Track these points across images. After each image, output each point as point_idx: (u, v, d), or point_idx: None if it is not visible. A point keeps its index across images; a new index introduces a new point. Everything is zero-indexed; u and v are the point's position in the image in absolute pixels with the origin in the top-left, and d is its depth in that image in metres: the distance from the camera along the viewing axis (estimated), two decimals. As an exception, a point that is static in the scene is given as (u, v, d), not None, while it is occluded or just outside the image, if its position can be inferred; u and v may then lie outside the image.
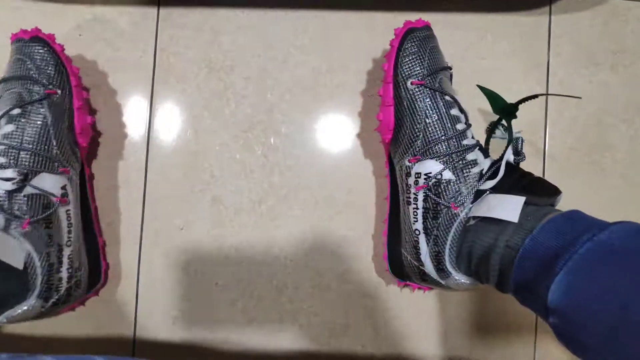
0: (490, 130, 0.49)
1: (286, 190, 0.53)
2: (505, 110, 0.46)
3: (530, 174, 0.42)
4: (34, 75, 0.43)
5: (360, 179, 0.53)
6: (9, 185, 0.39)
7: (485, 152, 0.45)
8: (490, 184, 0.41)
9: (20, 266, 0.39)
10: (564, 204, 0.39)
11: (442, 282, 0.44)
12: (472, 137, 0.45)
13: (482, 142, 0.46)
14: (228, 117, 0.53)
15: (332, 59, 0.54)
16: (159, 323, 0.51)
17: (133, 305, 0.51)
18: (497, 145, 0.49)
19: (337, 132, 0.54)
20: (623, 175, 0.57)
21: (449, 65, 0.48)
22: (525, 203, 0.38)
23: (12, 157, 0.41)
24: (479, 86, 0.47)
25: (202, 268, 0.51)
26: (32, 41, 0.44)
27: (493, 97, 0.47)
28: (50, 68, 0.44)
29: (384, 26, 0.55)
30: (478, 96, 0.47)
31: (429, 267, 0.44)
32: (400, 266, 0.48)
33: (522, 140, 0.43)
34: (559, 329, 0.32)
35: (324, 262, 0.53)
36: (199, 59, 0.53)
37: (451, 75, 0.49)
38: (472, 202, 0.42)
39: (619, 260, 0.30)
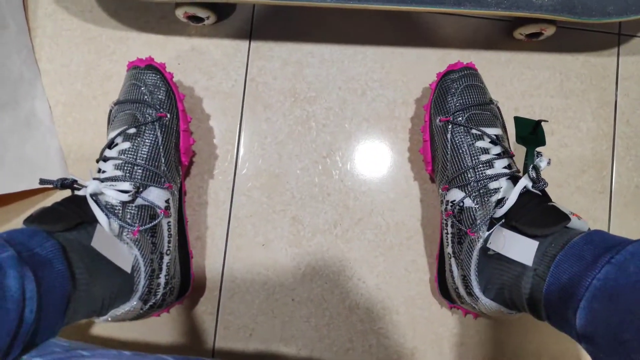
0: (527, 159, 0.50)
1: (360, 214, 0.56)
2: (524, 140, 0.48)
3: (544, 202, 0.42)
4: (147, 99, 0.48)
5: (429, 207, 0.56)
6: (125, 197, 0.44)
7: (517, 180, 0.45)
8: (501, 212, 0.43)
9: (129, 270, 0.43)
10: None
11: (475, 306, 0.46)
12: (507, 167, 0.46)
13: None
14: (309, 144, 0.57)
15: (406, 92, 0.58)
16: (237, 334, 0.54)
17: (214, 316, 0.54)
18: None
19: (410, 162, 0.57)
20: (691, 215, 0.58)
21: (492, 100, 0.50)
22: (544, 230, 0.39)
23: (127, 171, 0.45)
24: (515, 117, 0.49)
25: (280, 284, 0.55)
26: (146, 69, 0.49)
27: (521, 126, 0.49)
28: (161, 93, 0.49)
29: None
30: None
31: (461, 290, 0.47)
32: (447, 289, 0.50)
33: (548, 163, 0.43)
34: (592, 354, 0.33)
35: (394, 286, 0.55)
36: (285, 89, 0.57)
37: (498, 109, 0.51)
38: (488, 229, 0.43)
39: (635, 284, 0.31)
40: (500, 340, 0.55)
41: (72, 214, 0.41)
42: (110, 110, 0.50)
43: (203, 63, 0.57)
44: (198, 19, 0.56)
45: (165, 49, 0.57)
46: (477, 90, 0.50)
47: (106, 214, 0.42)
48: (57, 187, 0.42)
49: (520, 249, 0.40)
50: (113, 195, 0.43)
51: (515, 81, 0.59)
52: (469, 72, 0.51)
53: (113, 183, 0.44)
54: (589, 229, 0.40)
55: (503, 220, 0.43)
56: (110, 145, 0.47)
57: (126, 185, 0.44)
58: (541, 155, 0.44)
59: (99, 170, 0.46)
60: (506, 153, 0.47)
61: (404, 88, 0.58)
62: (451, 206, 0.48)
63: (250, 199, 0.56)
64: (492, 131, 0.48)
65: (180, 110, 0.50)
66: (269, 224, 0.55)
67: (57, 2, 0.58)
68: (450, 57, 0.58)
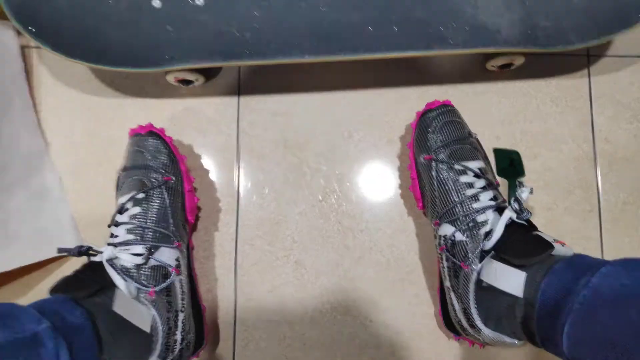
0: (509, 190, 0.51)
1: (360, 252, 0.58)
2: (504, 172, 0.50)
3: (529, 231, 0.44)
4: (151, 164, 0.51)
5: (426, 240, 0.58)
6: (139, 260, 0.46)
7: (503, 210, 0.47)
8: (489, 244, 0.45)
9: (148, 329, 0.45)
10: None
11: (478, 337, 0.47)
12: (493, 198, 0.48)
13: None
14: (304, 189, 0.59)
15: (390, 131, 0.61)
16: (252, 381, 0.56)
17: (228, 365, 0.56)
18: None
19: (404, 197, 0.59)
20: (677, 222, 0.60)
21: (470, 133, 0.53)
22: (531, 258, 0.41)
23: (139, 235, 0.48)
24: (494, 149, 0.51)
25: (291, 329, 0.56)
26: (148, 135, 0.53)
27: (500, 158, 0.51)
28: (164, 157, 0.52)
29: (438, 97, 0.61)
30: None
31: (464, 322, 0.48)
32: (451, 321, 0.52)
33: (531, 192, 0.45)
34: None
35: (400, 322, 0.57)
36: (276, 139, 0.60)
37: (477, 141, 0.54)
38: (481, 261, 0.45)
39: (609, 307, 0.32)
40: (508, 363, 0.56)
41: (92, 280, 0.43)
42: (118, 177, 0.53)
43: (197, 121, 0.61)
44: (188, 82, 0.59)
45: (160, 111, 0.61)
46: (455, 126, 0.53)
47: (123, 278, 0.45)
48: (74, 255, 0.45)
49: (510, 280, 0.42)
50: (127, 259, 0.46)
51: (493, 110, 0.62)
52: (446, 109, 0.54)
53: (127, 247, 0.47)
54: (574, 254, 0.42)
55: (493, 252, 0.45)
56: (121, 210, 0.49)
57: (139, 249, 0.47)
58: (523, 185, 0.46)
59: (112, 235, 0.49)
60: (491, 185, 0.50)
61: (388, 127, 0.61)
62: (444, 241, 0.50)
63: (253, 247, 0.58)
64: (475, 164, 0.50)
65: (184, 171, 0.53)
66: (274, 271, 0.57)
67: (56, 77, 0.61)
68: (428, 94, 0.61)
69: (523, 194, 0.45)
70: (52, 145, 0.59)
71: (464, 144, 0.52)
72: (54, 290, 0.42)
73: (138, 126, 0.53)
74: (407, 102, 0.61)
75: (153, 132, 0.53)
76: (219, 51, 0.54)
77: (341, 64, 0.62)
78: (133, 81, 0.61)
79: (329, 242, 0.58)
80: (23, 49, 0.61)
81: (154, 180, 0.50)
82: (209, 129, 0.60)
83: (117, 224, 0.49)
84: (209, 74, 0.61)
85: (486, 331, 0.45)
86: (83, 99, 0.61)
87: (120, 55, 0.54)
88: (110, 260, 0.45)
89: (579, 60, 0.64)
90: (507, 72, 0.62)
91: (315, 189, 0.59)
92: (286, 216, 0.59)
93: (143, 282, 0.46)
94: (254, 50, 0.54)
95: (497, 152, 0.51)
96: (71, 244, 0.55)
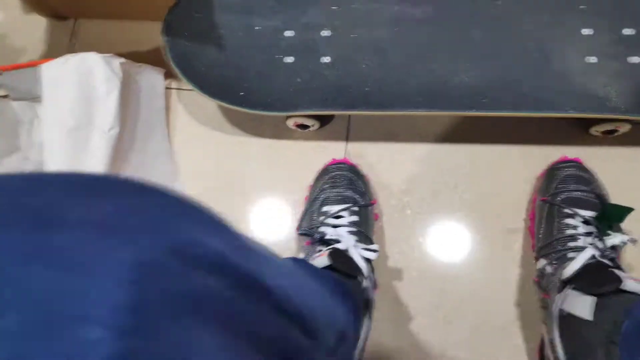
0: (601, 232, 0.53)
1: (459, 298, 0.59)
2: (600, 218, 0.52)
3: (603, 270, 0.46)
4: (361, 188, 0.60)
5: (524, 292, 0.58)
6: (373, 255, 0.52)
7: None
8: (566, 274, 0.47)
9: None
10: None
11: None
12: (593, 245, 0.49)
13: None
14: (406, 229, 0.62)
15: (493, 186, 0.63)
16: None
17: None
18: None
19: (502, 250, 0.60)
20: None
21: (596, 192, 0.55)
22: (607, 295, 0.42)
23: (360, 237, 0.54)
24: (607, 204, 0.53)
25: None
26: (350, 166, 0.61)
27: (609, 211, 0.52)
28: (368, 185, 0.62)
29: (539, 157, 0.63)
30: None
31: (550, 357, 0.48)
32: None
33: (627, 242, 0.49)
34: None
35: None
36: (380, 183, 0.64)
37: (603, 199, 0.55)
38: (559, 292, 0.47)
39: None
40: None
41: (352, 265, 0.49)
42: (321, 190, 0.59)
43: (308, 164, 0.66)
44: (305, 127, 0.66)
45: (276, 150, 0.67)
46: (582, 179, 0.56)
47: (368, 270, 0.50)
48: (316, 240, 0.52)
49: (580, 304, 0.44)
50: (364, 254, 0.52)
51: (599, 181, 0.63)
52: (578, 165, 0.58)
53: (362, 245, 0.53)
54: None
55: (570, 286, 0.46)
56: (337, 216, 0.56)
57: (375, 246, 0.53)
58: (621, 232, 0.49)
59: (324, 235, 0.53)
60: (597, 235, 0.51)
61: (491, 181, 0.63)
62: (537, 273, 0.53)
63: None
64: (586, 213, 0.52)
65: (374, 200, 0.62)
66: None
67: (190, 115, 0.70)
68: (531, 154, 0.64)
69: (615, 238, 0.47)
70: (182, 172, 0.67)
71: (584, 195, 0.55)
72: (335, 262, 0.47)
73: (343, 158, 0.63)
74: (510, 159, 0.64)
75: (354, 166, 0.62)
76: (339, 101, 0.61)
77: (447, 118, 0.67)
78: (255, 123, 0.69)
79: (426, 283, 0.60)
80: (165, 89, 0.71)
81: (365, 200, 0.58)
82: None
83: (335, 226, 0.54)
84: (323, 121, 0.68)
85: None
86: (211, 135, 0.69)
87: (257, 100, 0.62)
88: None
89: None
90: (610, 138, 0.63)
91: (416, 230, 0.62)
92: (387, 253, 0.61)
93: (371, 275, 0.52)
94: (371, 102, 0.60)
95: (610, 206, 0.52)
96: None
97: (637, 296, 0.42)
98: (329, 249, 0.49)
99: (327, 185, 0.59)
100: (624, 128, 0.60)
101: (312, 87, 0.62)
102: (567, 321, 0.46)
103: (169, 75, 0.70)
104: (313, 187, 0.62)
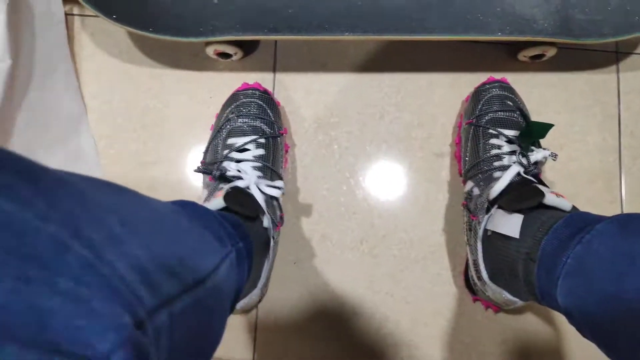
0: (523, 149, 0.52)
1: (384, 231, 0.59)
2: (524, 135, 0.51)
3: (530, 184, 0.46)
4: (271, 115, 0.55)
5: (450, 221, 0.59)
6: (278, 192, 0.50)
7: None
8: (493, 194, 0.47)
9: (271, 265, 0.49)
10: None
11: (486, 292, 0.50)
12: (518, 162, 0.49)
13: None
14: (333, 166, 0.61)
15: (421, 114, 0.62)
16: (273, 353, 0.57)
17: (252, 337, 0.57)
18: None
19: (429, 178, 0.61)
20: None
21: (521, 109, 0.55)
22: (530, 211, 0.43)
23: (266, 173, 0.51)
24: (530, 122, 0.53)
25: (312, 301, 0.58)
26: (263, 92, 0.56)
27: (532, 129, 0.51)
28: (278, 112, 0.57)
29: (468, 84, 0.62)
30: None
31: (474, 275, 0.51)
32: (469, 280, 0.54)
33: (552, 155, 0.49)
34: (576, 328, 0.36)
35: (421, 299, 0.58)
36: (308, 117, 0.62)
37: (526, 117, 0.55)
38: (487, 213, 0.47)
39: (600, 262, 0.33)
40: (527, 347, 0.57)
41: (251, 206, 0.45)
42: (227, 119, 0.54)
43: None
44: (227, 55, 0.61)
45: (197, 84, 0.62)
46: (505, 100, 0.55)
47: (265, 207, 0.46)
48: (214, 177, 0.48)
49: (508, 223, 0.44)
50: (268, 191, 0.48)
51: (524, 100, 0.63)
52: (501, 85, 0.57)
53: (266, 181, 0.49)
54: (574, 206, 0.43)
55: (497, 206, 0.47)
56: (241, 150, 0.51)
57: (280, 183, 0.50)
58: (542, 148, 0.49)
59: (225, 170, 0.49)
60: (521, 153, 0.51)
61: (419, 111, 0.62)
62: (465, 196, 0.54)
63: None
64: (510, 132, 0.52)
65: (284, 129, 0.57)
66: (299, 243, 0.59)
67: (97, 45, 0.63)
68: (460, 81, 0.63)
69: (538, 154, 0.47)
70: (90, 109, 0.61)
71: (508, 115, 0.54)
72: (227, 201, 0.42)
73: (255, 82, 0.57)
74: (439, 87, 0.63)
75: (266, 91, 0.57)
76: (261, 25, 0.55)
77: (375, 46, 0.64)
78: (171, 52, 0.63)
79: (355, 218, 0.59)
80: (66, 16, 0.62)
81: (273, 129, 0.54)
82: (243, 103, 0.62)
83: (238, 161, 0.50)
84: (248, 48, 0.62)
85: (490, 284, 0.47)
86: (122, 68, 0.62)
87: (166, 24, 0.56)
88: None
89: (608, 56, 0.65)
90: (537, 64, 0.63)
91: (343, 167, 0.61)
92: (313, 192, 0.60)
93: (277, 217, 0.50)
94: (296, 25, 0.55)
95: (532, 123, 0.51)
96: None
97: (561, 213, 0.42)
98: (228, 187, 0.46)
99: (234, 115, 0.54)
100: (551, 52, 0.59)
101: (230, 9, 0.56)
102: (491, 240, 0.47)
103: (67, -2, 0.61)
104: (219, 115, 0.57)
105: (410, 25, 0.55)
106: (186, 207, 0.36)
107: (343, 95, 0.62)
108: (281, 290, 0.58)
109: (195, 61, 0.63)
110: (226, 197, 0.42)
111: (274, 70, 0.63)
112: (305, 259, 0.58)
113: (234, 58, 0.61)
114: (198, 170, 0.50)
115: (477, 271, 0.49)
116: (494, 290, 0.48)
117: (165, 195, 0.58)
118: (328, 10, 0.55)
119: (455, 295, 0.58)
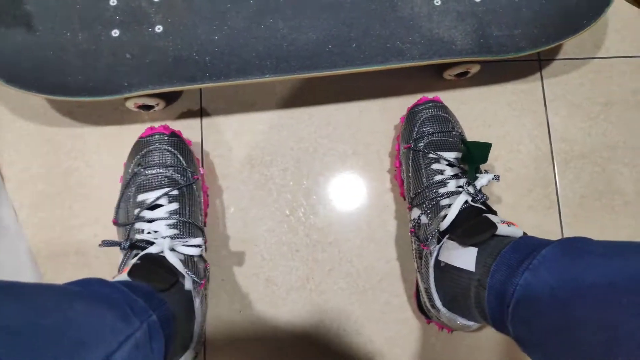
0: (469, 177, 0.52)
1: (330, 265, 0.58)
2: (466, 159, 0.51)
3: (481, 214, 0.46)
4: (182, 162, 0.51)
5: (399, 247, 0.59)
6: (197, 251, 0.47)
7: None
8: (444, 225, 0.47)
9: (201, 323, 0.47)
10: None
11: (440, 318, 0.49)
12: (463, 186, 0.49)
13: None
14: (271, 205, 0.59)
15: (355, 143, 0.62)
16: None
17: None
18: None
19: (369, 205, 0.60)
20: (634, 214, 0.62)
21: (455, 128, 0.55)
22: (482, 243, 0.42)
23: (183, 229, 0.48)
24: (466, 142, 0.52)
25: (263, 347, 0.56)
26: (171, 135, 0.53)
27: (472, 150, 0.50)
28: (191, 157, 0.54)
29: (398, 108, 0.62)
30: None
31: (427, 303, 0.50)
32: (422, 305, 0.54)
33: (495, 178, 0.48)
34: (529, 354, 0.36)
35: (373, 329, 0.57)
36: (242, 158, 0.60)
37: (461, 136, 0.56)
38: (438, 243, 0.47)
39: (545, 287, 0.34)
40: (484, 366, 0.57)
41: (167, 272, 0.42)
42: (134, 174, 0.50)
43: (160, 145, 0.60)
44: (148, 107, 0.59)
45: (121, 138, 0.60)
46: (439, 120, 0.55)
47: (185, 270, 0.44)
48: (123, 248, 0.45)
49: (462, 257, 0.43)
50: (186, 251, 0.46)
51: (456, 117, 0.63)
52: (434, 105, 0.57)
53: (184, 240, 0.47)
54: (524, 233, 0.43)
55: (447, 236, 0.46)
56: (152, 207, 0.48)
57: (198, 241, 0.48)
58: (486, 172, 0.49)
59: (140, 231, 0.47)
60: (464, 175, 0.51)
61: (352, 140, 0.62)
62: (412, 224, 0.53)
63: (221, 268, 0.57)
64: (450, 155, 0.52)
65: (202, 173, 0.55)
66: (243, 290, 0.57)
67: (12, 111, 0.60)
68: (390, 105, 0.63)
69: (482, 179, 0.47)
70: (9, 179, 0.58)
71: (445, 137, 0.54)
72: (134, 276, 0.40)
73: (160, 126, 0.53)
74: (369, 114, 0.62)
75: (175, 133, 0.53)
76: (178, 75, 0.54)
77: (301, 81, 0.63)
78: (91, 110, 0.61)
79: (299, 256, 0.58)
80: (-23, 82, 0.60)
81: (186, 178, 0.51)
82: (172, 152, 0.60)
83: (151, 220, 0.47)
84: (169, 98, 0.61)
85: (444, 311, 0.47)
86: (40, 131, 0.60)
87: (78, 86, 0.54)
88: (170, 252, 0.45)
89: (531, 65, 0.66)
90: (463, 80, 0.63)
91: (282, 205, 0.59)
92: (254, 234, 0.58)
93: (200, 275, 0.47)
94: (215, 72, 0.54)
95: (469, 144, 0.51)
96: (29, 278, 0.53)
97: (509, 238, 0.42)
98: (137, 258, 0.43)
99: (140, 167, 0.50)
100: (475, 68, 0.60)
101: (145, 63, 0.54)
102: (443, 270, 0.46)
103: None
104: (126, 166, 0.53)
105: (330, 60, 0.55)
106: (89, 287, 0.34)
107: (275, 132, 0.61)
108: (229, 340, 0.55)
109: (116, 115, 0.61)
110: (131, 273, 0.40)
111: (201, 115, 0.62)
112: (251, 305, 0.56)
113: (157, 108, 0.59)
114: (104, 244, 0.45)
115: (430, 299, 0.48)
116: (448, 318, 0.47)
117: (95, 257, 0.56)
118: (246, 53, 0.55)
119: (407, 321, 0.57)
